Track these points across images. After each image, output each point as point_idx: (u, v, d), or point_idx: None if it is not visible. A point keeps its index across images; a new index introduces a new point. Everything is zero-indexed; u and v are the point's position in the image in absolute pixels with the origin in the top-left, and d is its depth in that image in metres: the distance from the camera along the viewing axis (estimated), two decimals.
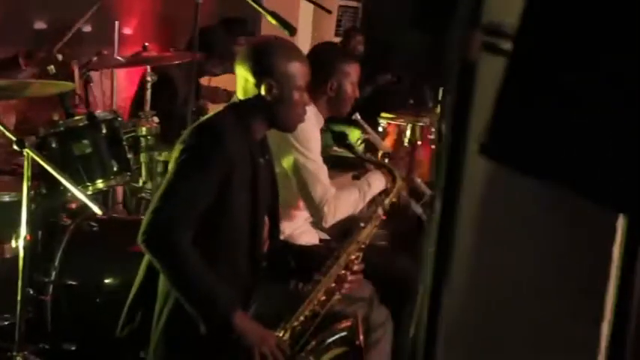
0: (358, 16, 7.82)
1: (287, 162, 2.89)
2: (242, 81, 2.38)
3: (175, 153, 2.27)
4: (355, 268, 2.50)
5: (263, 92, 2.34)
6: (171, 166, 2.27)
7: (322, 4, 4.38)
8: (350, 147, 2.66)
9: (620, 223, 1.14)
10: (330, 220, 2.86)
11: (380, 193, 2.79)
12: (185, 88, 4.22)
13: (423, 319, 1.15)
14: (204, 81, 4.76)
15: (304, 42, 6.63)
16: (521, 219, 1.41)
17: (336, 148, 4.32)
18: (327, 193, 2.85)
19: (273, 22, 2.41)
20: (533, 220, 1.43)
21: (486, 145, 1.15)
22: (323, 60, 3.06)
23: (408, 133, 4.58)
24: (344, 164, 4.27)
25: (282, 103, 2.37)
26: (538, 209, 1.40)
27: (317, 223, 2.92)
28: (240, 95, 2.40)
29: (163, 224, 2.18)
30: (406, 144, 4.58)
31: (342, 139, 2.57)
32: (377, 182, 2.93)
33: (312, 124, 2.87)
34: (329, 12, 4.52)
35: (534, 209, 1.41)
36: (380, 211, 2.55)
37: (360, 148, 5.83)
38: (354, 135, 5.90)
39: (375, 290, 2.81)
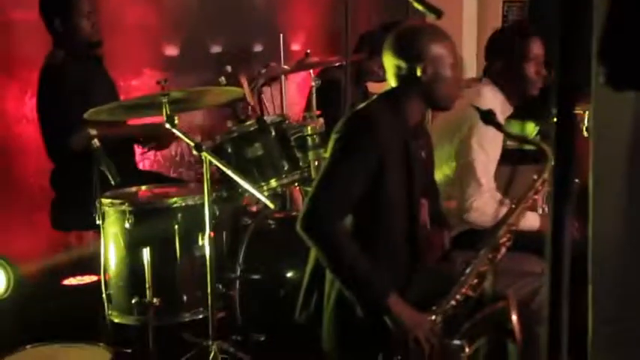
0: (525, 11, 7.68)
1: (453, 144, 2.96)
2: (394, 69, 2.47)
3: (331, 142, 2.40)
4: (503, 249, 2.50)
5: (419, 74, 2.42)
6: (327, 155, 2.41)
7: None
8: (497, 125, 2.63)
9: None
10: (472, 216, 2.91)
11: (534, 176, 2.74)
12: (351, 91, 4.39)
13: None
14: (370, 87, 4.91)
15: (470, 38, 6.63)
16: None
17: (510, 142, 4.30)
18: (479, 192, 2.90)
19: (420, 7, 2.49)
20: None
21: (610, 74, 1.16)
22: (499, 44, 3.08)
23: (586, 120, 4.44)
24: (523, 158, 4.23)
25: (438, 82, 2.43)
26: None
27: (460, 211, 2.95)
28: (393, 83, 2.50)
29: (319, 212, 2.30)
30: (585, 132, 4.45)
31: (488, 117, 2.57)
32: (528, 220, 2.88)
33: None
34: None
35: None
36: (531, 193, 2.55)
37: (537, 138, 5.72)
38: (529, 128, 5.82)
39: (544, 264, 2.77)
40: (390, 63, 2.48)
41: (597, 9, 1.19)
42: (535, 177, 2.56)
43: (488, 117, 2.49)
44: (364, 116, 2.44)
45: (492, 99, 3.03)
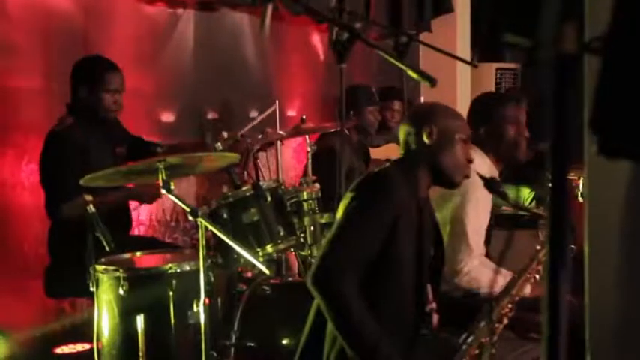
0: (518, 78, 7.79)
1: (447, 210, 2.97)
2: (404, 136, 2.51)
3: (345, 200, 2.38)
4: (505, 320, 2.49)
5: (425, 138, 2.45)
6: (340, 214, 2.39)
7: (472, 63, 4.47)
8: (500, 193, 2.65)
9: None
10: (463, 280, 2.93)
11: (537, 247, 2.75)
12: (348, 157, 4.45)
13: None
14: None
15: (464, 106, 6.70)
16: None
17: (505, 207, 4.31)
18: (470, 256, 2.91)
19: (414, 75, 2.51)
20: None
21: (602, 144, 1.17)
22: (479, 110, 3.15)
23: (581, 186, 4.46)
24: (519, 222, 4.25)
25: (445, 150, 2.45)
26: None
27: (447, 273, 2.93)
28: (402, 150, 2.53)
29: (330, 269, 2.27)
30: (580, 198, 4.46)
31: (492, 185, 2.59)
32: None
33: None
34: (475, 66, 4.61)
35: None
36: (534, 264, 2.55)
37: (532, 205, 5.74)
38: (524, 193, 5.85)
39: None
40: (402, 132, 2.52)
41: (589, 76, 1.20)
42: (538, 247, 2.54)
43: (491, 185, 2.50)
44: (381, 177, 2.44)
45: (481, 164, 3.06)
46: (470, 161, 2.51)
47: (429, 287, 2.50)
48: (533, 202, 5.64)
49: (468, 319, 2.51)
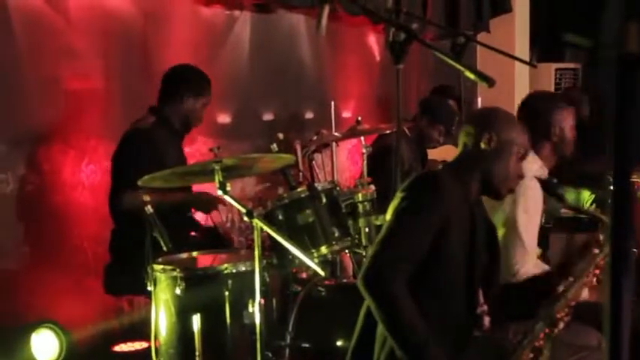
0: (578, 78, 7.65)
1: (500, 213, 2.93)
2: (463, 137, 2.50)
3: (396, 200, 2.37)
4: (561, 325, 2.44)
5: (483, 144, 2.43)
6: (390, 214, 2.37)
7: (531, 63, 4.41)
8: (559, 196, 2.61)
9: None
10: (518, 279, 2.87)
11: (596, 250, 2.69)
12: (410, 157, 4.44)
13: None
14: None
15: None
16: None
17: (565, 210, 4.25)
18: (524, 258, 2.86)
19: (472, 76, 2.48)
20: None
21: None
22: (539, 109, 3.12)
23: None
24: (579, 226, 4.19)
25: (499, 159, 2.43)
26: None
27: (506, 274, 2.89)
28: (460, 150, 2.51)
29: (380, 269, 2.25)
30: None
31: (552, 187, 2.56)
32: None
33: (536, 185, 2.86)
34: (534, 66, 4.53)
35: None
36: (592, 268, 2.50)
37: (592, 207, 5.63)
38: (584, 195, 5.73)
39: (602, 337, 2.70)
40: (462, 133, 2.51)
41: None
42: (596, 251, 2.49)
43: (549, 187, 2.46)
44: (432, 177, 2.43)
45: (532, 164, 3.01)
46: (520, 177, 2.49)
47: (480, 290, 2.47)
48: (594, 205, 5.53)
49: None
